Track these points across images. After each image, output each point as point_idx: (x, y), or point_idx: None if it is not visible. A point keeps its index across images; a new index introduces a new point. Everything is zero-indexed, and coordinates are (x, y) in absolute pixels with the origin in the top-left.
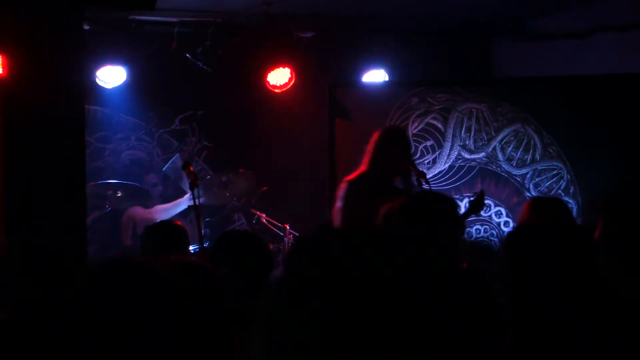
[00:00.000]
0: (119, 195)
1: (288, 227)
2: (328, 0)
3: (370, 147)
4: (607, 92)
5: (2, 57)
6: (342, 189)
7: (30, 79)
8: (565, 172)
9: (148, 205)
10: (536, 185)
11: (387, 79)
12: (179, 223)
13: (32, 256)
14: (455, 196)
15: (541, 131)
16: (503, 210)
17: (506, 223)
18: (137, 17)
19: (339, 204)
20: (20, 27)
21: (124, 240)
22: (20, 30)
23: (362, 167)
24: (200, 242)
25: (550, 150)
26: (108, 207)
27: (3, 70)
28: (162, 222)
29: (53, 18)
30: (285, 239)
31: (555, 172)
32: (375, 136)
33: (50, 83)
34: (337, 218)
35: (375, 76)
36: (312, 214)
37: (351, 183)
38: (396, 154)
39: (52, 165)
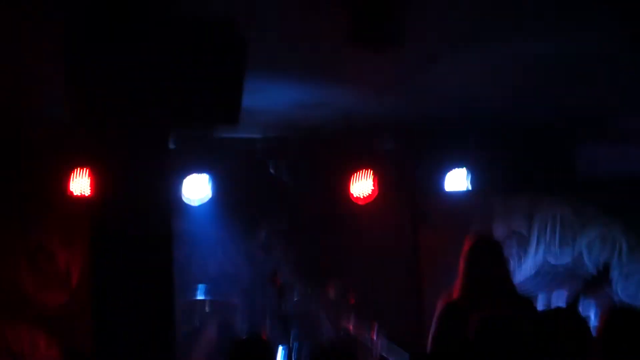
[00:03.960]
0: (207, 310)
1: (376, 336)
2: (408, 109)
3: (462, 264)
4: None
5: (90, 178)
6: (439, 311)
7: (118, 199)
8: None
9: (235, 319)
10: (623, 288)
11: (469, 183)
12: (262, 337)
13: None
14: (540, 300)
15: (628, 232)
16: (592, 315)
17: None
18: (221, 134)
19: (434, 327)
20: (108, 149)
21: (212, 355)
22: (108, 152)
23: (458, 287)
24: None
25: (638, 253)
26: (197, 323)
27: (91, 191)
28: (249, 337)
29: (139, 140)
30: (374, 351)
31: None
32: (466, 249)
33: (137, 202)
34: (432, 342)
35: (459, 182)
36: (398, 322)
37: (449, 307)
38: (491, 268)
39: (140, 282)
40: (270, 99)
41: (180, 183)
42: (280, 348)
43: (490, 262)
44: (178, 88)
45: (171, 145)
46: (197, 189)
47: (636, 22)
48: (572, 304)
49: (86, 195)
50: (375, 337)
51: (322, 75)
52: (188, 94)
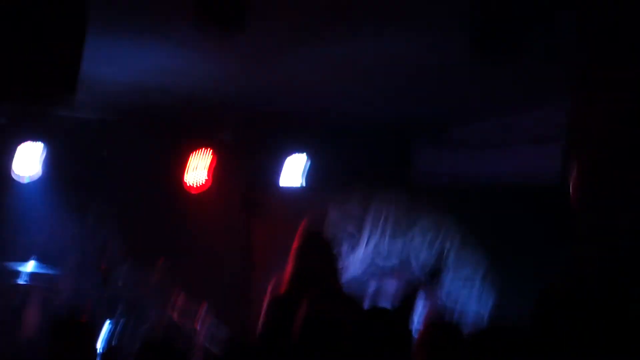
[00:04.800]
0: (28, 287)
1: (198, 327)
2: (247, 99)
3: (291, 258)
4: (523, 201)
5: None
6: (266, 307)
7: None
8: (478, 279)
9: (57, 301)
10: (448, 294)
11: (304, 179)
12: (84, 320)
13: None
14: (368, 303)
15: (455, 237)
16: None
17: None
18: (54, 111)
19: (262, 320)
20: None
21: (31, 333)
22: None
23: (286, 283)
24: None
25: (464, 257)
26: (17, 302)
27: None
28: (69, 319)
29: None
30: (196, 340)
31: (469, 279)
32: (296, 244)
33: None
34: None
35: (293, 174)
36: (226, 314)
37: (275, 302)
38: (319, 264)
39: None
40: (110, 75)
41: (10, 158)
42: (107, 322)
43: (318, 258)
44: (7, 59)
45: (1, 120)
46: (27, 165)
47: (475, 30)
48: (401, 305)
49: None
50: (199, 327)
51: (165, 56)
52: (21, 66)
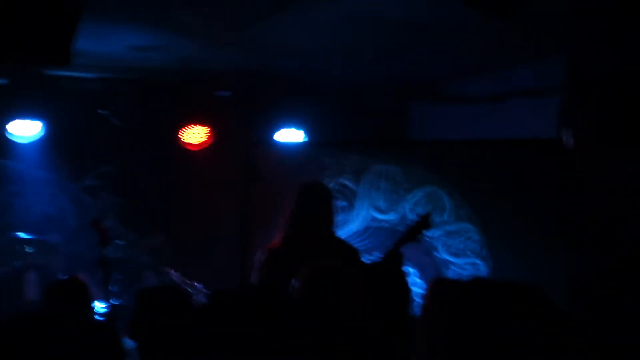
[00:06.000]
0: (27, 250)
1: (199, 286)
2: (245, 60)
3: (289, 208)
4: (520, 156)
5: None
6: (261, 257)
7: None
8: (475, 234)
9: (55, 262)
10: (446, 246)
11: (302, 138)
12: (79, 279)
13: None
14: (366, 257)
15: (452, 193)
16: (411, 270)
17: (414, 283)
18: (53, 72)
19: (256, 274)
20: None
21: (30, 296)
22: None
23: (282, 232)
24: (108, 300)
25: (461, 212)
26: (16, 263)
27: None
28: (64, 278)
29: None
30: (197, 298)
31: (466, 234)
32: (291, 195)
33: None
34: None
35: (291, 135)
36: (225, 274)
37: (271, 252)
38: (319, 211)
39: None
40: (105, 40)
41: (9, 119)
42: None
43: (317, 207)
44: (8, 21)
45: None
46: (26, 126)
47: None
48: (396, 257)
49: None
50: (198, 285)
51: (159, 18)
52: (18, 28)
